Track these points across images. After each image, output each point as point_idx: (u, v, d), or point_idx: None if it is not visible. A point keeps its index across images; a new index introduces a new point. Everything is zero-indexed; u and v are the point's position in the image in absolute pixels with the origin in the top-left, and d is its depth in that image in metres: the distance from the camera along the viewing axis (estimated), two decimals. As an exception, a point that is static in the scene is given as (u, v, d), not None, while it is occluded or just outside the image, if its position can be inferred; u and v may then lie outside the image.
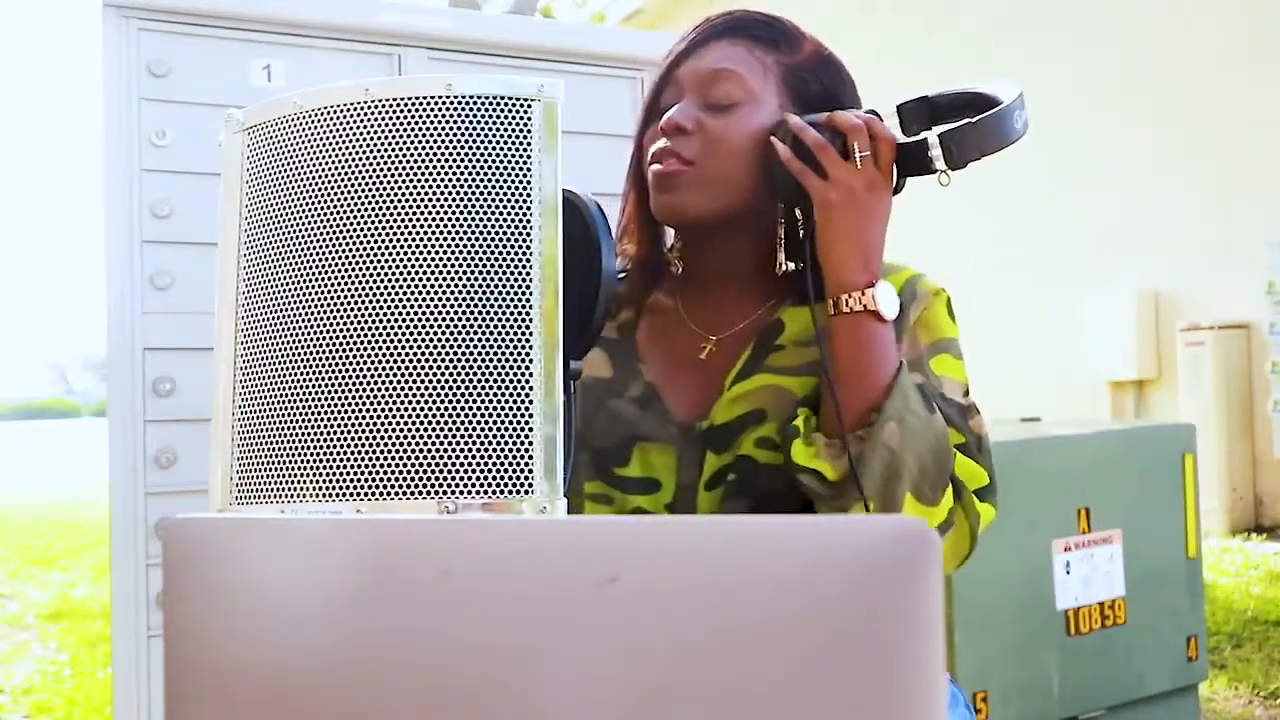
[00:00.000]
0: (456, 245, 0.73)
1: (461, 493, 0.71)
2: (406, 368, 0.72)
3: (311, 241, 0.76)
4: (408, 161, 0.74)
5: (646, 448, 1.03)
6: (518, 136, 0.74)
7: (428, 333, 0.72)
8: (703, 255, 1.09)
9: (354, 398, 0.73)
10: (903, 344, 1.01)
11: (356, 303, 0.74)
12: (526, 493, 0.71)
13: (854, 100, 1.07)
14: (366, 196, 0.75)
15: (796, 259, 1.01)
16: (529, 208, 0.73)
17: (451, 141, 0.74)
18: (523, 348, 0.72)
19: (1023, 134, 0.96)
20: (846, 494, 0.93)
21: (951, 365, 1.03)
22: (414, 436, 0.71)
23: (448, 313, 0.72)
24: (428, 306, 0.72)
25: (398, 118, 0.75)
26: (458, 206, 0.73)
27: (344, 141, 0.76)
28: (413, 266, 0.73)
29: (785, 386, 1.01)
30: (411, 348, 0.72)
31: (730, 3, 1.08)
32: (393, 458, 0.72)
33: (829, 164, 0.96)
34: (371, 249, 0.74)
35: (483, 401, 0.71)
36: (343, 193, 0.75)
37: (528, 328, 0.72)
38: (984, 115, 0.94)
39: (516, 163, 0.74)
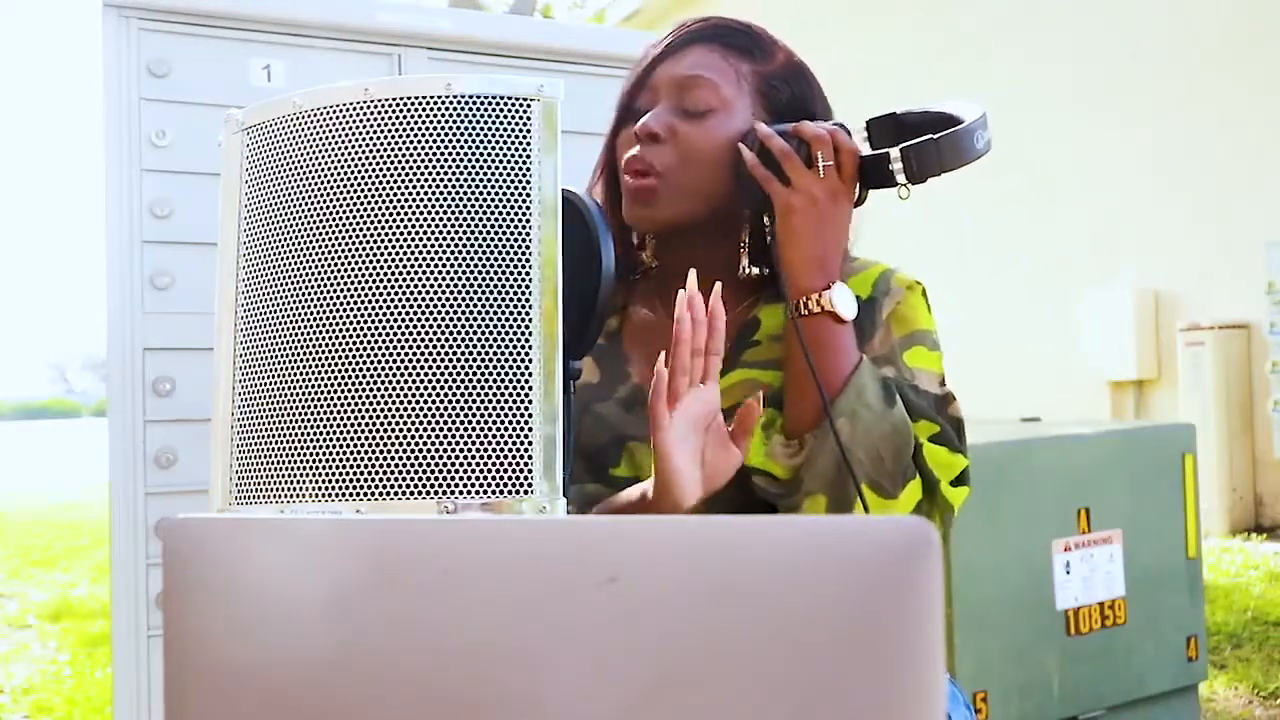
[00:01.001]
0: (456, 245, 0.73)
1: (461, 493, 0.71)
2: (406, 368, 0.72)
3: (311, 241, 0.76)
4: (407, 161, 0.74)
5: (634, 448, 1.05)
6: (517, 136, 0.74)
7: (427, 333, 0.72)
8: (679, 257, 1.10)
9: (354, 398, 0.73)
10: (875, 338, 1.04)
11: (356, 303, 0.74)
12: (526, 493, 0.71)
13: (824, 108, 1.09)
14: (366, 196, 0.75)
15: (760, 263, 1.05)
16: (528, 208, 0.73)
17: (451, 141, 0.74)
18: (523, 348, 0.72)
19: (984, 153, 0.99)
20: (798, 492, 0.95)
21: (926, 357, 1.04)
22: (414, 436, 0.71)
23: (448, 313, 0.72)
24: (427, 306, 0.72)
25: (397, 118, 0.75)
26: (457, 206, 0.73)
27: (343, 141, 0.76)
28: (412, 267, 0.73)
29: (763, 381, 1.03)
30: (411, 348, 0.72)
31: (721, 7, 1.09)
32: (393, 458, 0.72)
33: (793, 172, 0.98)
34: (371, 249, 0.74)
35: (483, 401, 0.71)
36: (342, 193, 0.75)
37: (528, 328, 0.72)
38: (945, 133, 0.97)
39: (516, 163, 0.74)
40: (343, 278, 0.74)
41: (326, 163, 0.76)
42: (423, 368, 0.72)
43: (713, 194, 1.03)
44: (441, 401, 0.71)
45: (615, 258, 0.87)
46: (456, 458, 0.71)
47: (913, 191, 1.01)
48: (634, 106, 1.07)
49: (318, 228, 0.76)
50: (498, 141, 0.74)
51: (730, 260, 1.07)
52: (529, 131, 0.74)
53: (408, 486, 0.71)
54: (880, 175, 0.99)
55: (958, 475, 0.99)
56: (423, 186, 0.74)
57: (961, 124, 0.98)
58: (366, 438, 0.72)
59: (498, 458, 0.71)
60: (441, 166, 0.74)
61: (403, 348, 0.72)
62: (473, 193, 0.73)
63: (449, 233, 0.73)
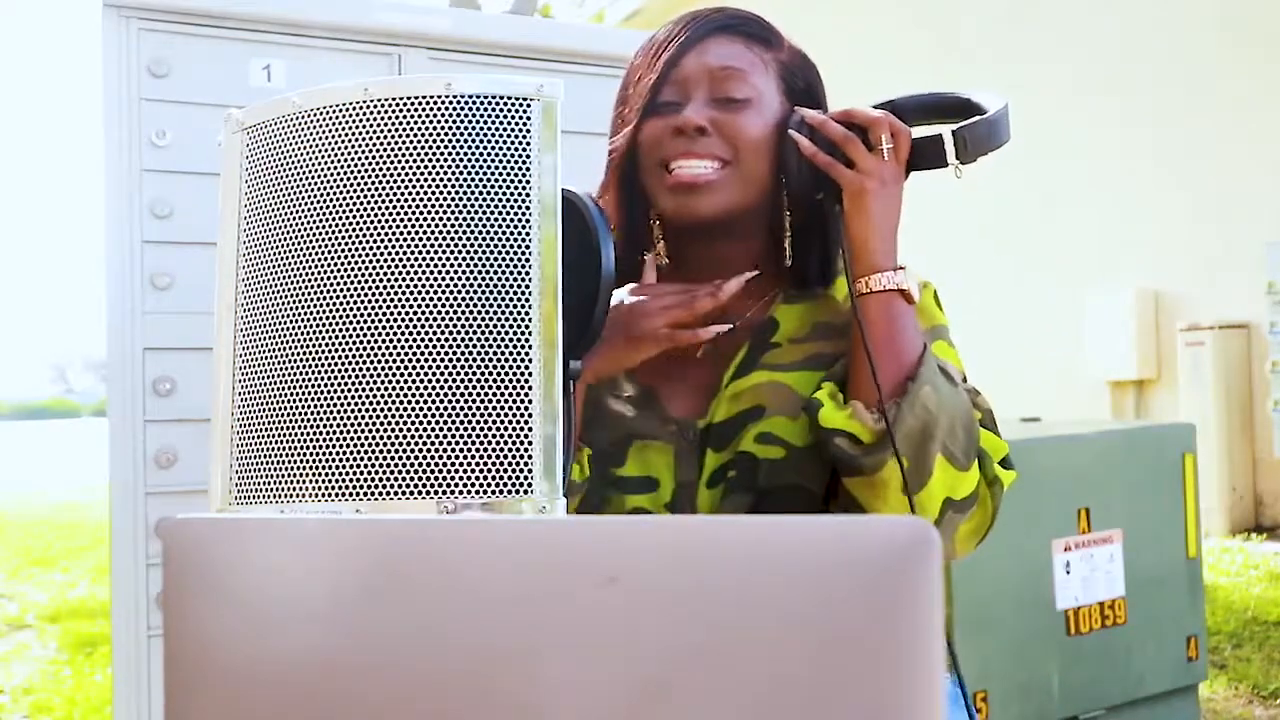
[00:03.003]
0: (456, 245, 0.73)
1: (461, 493, 0.71)
2: (406, 368, 0.72)
3: (311, 241, 0.76)
4: (407, 161, 0.74)
5: (643, 446, 1.04)
6: (517, 136, 0.74)
7: (427, 332, 0.72)
8: (696, 254, 1.08)
9: (353, 398, 0.73)
10: None
11: (356, 303, 0.74)
12: (526, 493, 0.71)
13: (825, 97, 1.10)
14: (366, 196, 0.75)
15: (798, 252, 1.06)
16: (528, 207, 0.73)
17: (451, 141, 0.74)
18: (522, 348, 0.72)
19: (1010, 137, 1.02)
20: (879, 453, 0.95)
21: (948, 351, 1.06)
22: (414, 436, 0.71)
23: (447, 313, 0.72)
24: (427, 306, 0.72)
25: (397, 118, 0.75)
26: (457, 206, 0.73)
27: (343, 141, 0.76)
28: (412, 266, 0.73)
29: (785, 382, 1.02)
30: (411, 347, 0.72)
31: (722, 4, 1.08)
32: (392, 458, 0.72)
33: (857, 156, 0.99)
34: (371, 249, 0.74)
35: (483, 401, 0.71)
36: (342, 192, 0.75)
37: (527, 327, 0.72)
38: (993, 112, 0.99)
39: (516, 162, 0.74)
40: (342, 278, 0.74)
41: (326, 163, 0.76)
42: (423, 368, 0.72)
43: (754, 184, 1.03)
44: (441, 401, 0.71)
45: (615, 257, 0.87)
46: (456, 458, 0.71)
47: (907, 182, 1.03)
48: (659, 100, 1.04)
49: (317, 228, 0.76)
50: (497, 141, 0.74)
51: (749, 257, 1.07)
52: (529, 131, 0.74)
53: (408, 486, 0.71)
54: (932, 157, 1.00)
55: (1003, 458, 1.01)
56: (422, 186, 0.74)
57: (984, 106, 1.00)
58: (366, 438, 0.72)
59: (498, 458, 0.71)
60: (441, 166, 0.74)
61: (403, 347, 0.72)
62: (472, 193, 0.73)
63: (449, 233, 0.73)
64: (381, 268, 0.73)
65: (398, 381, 0.72)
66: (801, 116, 1.02)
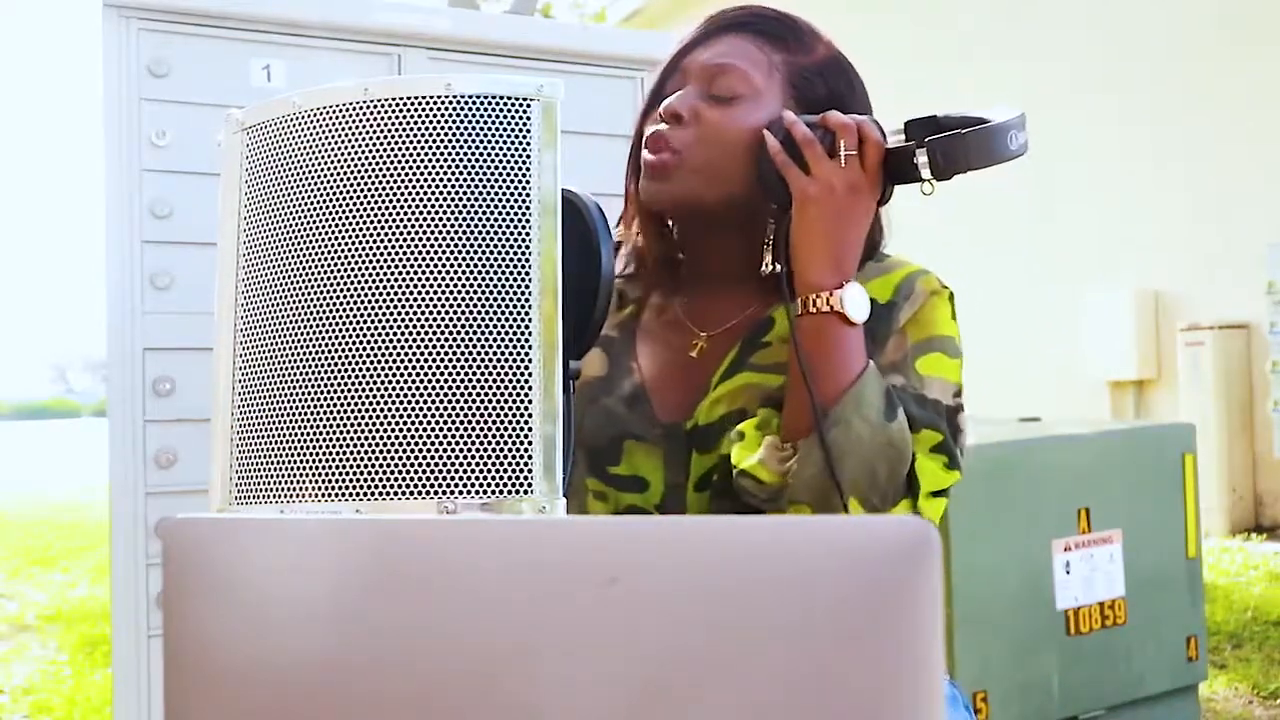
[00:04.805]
0: (456, 245, 0.73)
1: (461, 493, 0.71)
2: (406, 368, 0.72)
3: (310, 241, 0.76)
4: (407, 161, 0.74)
5: (634, 447, 1.03)
6: (517, 136, 0.74)
7: (427, 333, 0.72)
8: (700, 251, 1.08)
9: (353, 398, 0.73)
10: (890, 343, 0.99)
11: (355, 303, 0.74)
12: (526, 492, 0.71)
13: (863, 106, 1.05)
14: (366, 196, 0.75)
15: (782, 259, 1.01)
16: (528, 207, 0.73)
17: (451, 141, 0.74)
18: (522, 348, 0.72)
19: (1018, 154, 0.96)
20: (782, 499, 0.91)
21: (943, 365, 0.99)
22: (413, 436, 0.71)
23: (447, 313, 0.72)
24: (427, 306, 0.72)
25: (397, 118, 0.75)
26: (457, 206, 0.73)
27: (343, 141, 0.76)
28: (412, 266, 0.73)
29: (768, 384, 0.99)
30: (411, 348, 0.72)
31: (724, 3, 1.08)
32: (392, 458, 0.72)
33: (813, 160, 0.95)
34: (370, 249, 0.74)
35: (482, 401, 0.71)
36: (342, 193, 0.75)
37: (527, 328, 0.72)
38: (974, 129, 0.94)
39: (516, 162, 0.74)
40: (342, 278, 0.74)
41: (326, 163, 0.76)
42: (422, 368, 0.72)
43: (731, 181, 1.00)
44: (441, 401, 0.71)
45: (620, 253, 0.86)
46: (456, 457, 0.71)
47: (935, 188, 0.97)
48: (663, 92, 1.05)
49: (317, 228, 0.76)
50: (497, 141, 0.74)
51: (752, 256, 1.04)
52: (529, 131, 0.74)
53: (407, 486, 0.71)
54: (905, 169, 0.96)
55: (942, 489, 0.95)
56: (422, 186, 0.74)
57: (991, 122, 0.95)
58: (366, 438, 0.72)
59: (497, 458, 0.71)
60: (441, 166, 0.74)
61: (402, 347, 0.72)
62: (472, 193, 0.73)
63: (449, 233, 0.73)
64: (381, 268, 0.73)
65: (397, 381, 0.72)
66: (781, 117, 0.98)
